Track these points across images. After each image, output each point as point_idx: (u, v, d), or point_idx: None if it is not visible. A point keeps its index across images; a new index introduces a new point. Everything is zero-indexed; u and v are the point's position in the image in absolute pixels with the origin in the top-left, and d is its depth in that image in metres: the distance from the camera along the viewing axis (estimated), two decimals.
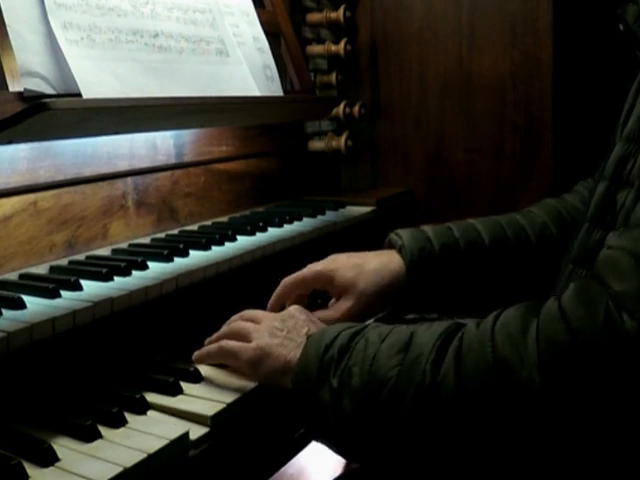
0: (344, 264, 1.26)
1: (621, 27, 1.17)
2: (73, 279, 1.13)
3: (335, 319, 1.22)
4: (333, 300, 1.34)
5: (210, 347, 1.11)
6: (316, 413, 0.96)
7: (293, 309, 1.13)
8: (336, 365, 0.95)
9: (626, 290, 0.82)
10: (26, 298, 1.05)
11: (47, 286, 1.09)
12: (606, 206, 1.05)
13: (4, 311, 1.01)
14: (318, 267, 1.27)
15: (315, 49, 2.08)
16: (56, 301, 1.07)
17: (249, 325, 1.11)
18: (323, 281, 1.26)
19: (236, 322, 1.14)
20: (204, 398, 1.04)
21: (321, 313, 1.24)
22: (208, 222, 1.62)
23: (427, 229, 1.32)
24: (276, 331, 1.07)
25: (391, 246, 1.32)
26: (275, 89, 1.71)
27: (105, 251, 1.37)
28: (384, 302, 1.26)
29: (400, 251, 1.28)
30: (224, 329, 1.14)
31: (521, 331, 0.85)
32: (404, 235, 1.30)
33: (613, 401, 0.81)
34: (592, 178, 1.46)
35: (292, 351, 1.03)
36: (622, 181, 1.04)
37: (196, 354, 1.11)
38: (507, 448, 0.85)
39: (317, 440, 1.01)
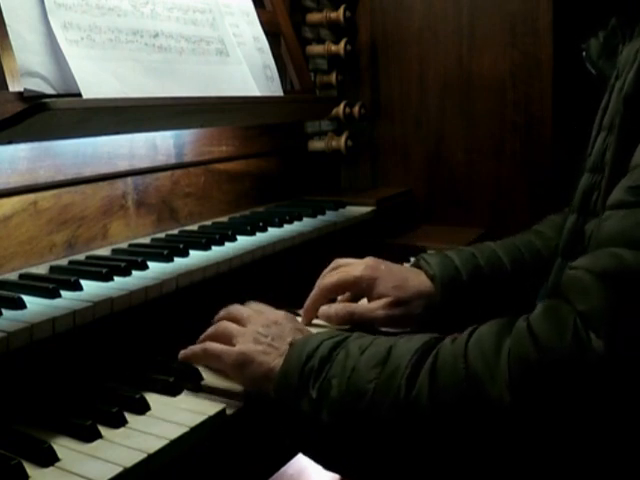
0: (385, 274, 1.29)
1: (588, 66, 1.18)
2: (73, 279, 1.13)
3: (370, 319, 1.25)
4: (344, 297, 1.35)
5: (195, 348, 1.11)
6: (297, 423, 0.97)
7: (281, 315, 1.13)
8: (316, 376, 0.96)
9: (590, 309, 0.82)
10: (26, 298, 1.05)
11: (47, 286, 1.09)
12: (575, 239, 1.07)
13: (4, 311, 1.01)
14: (356, 272, 1.29)
15: (315, 49, 2.08)
16: (56, 301, 1.07)
17: (234, 328, 1.10)
18: (362, 287, 1.29)
19: (222, 323, 1.13)
20: (205, 398, 1.04)
21: (357, 309, 1.27)
22: (208, 222, 1.62)
23: (454, 257, 1.35)
24: (260, 337, 1.06)
25: (418, 268, 1.35)
26: (275, 89, 1.71)
27: (105, 251, 1.37)
28: (418, 318, 1.29)
29: (432, 280, 1.31)
30: (210, 330, 1.14)
31: (494, 348, 0.86)
32: (434, 264, 1.32)
33: (583, 419, 0.81)
34: None
35: (275, 359, 1.02)
36: (589, 212, 1.06)
37: (182, 353, 1.12)
38: (481, 464, 0.86)
39: (298, 450, 1.01)
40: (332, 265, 1.33)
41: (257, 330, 1.08)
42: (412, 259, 1.39)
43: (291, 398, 0.96)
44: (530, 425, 0.83)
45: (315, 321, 1.30)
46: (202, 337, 1.14)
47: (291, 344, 1.03)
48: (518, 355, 0.84)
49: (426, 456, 0.88)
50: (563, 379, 0.81)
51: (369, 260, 1.32)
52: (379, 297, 1.27)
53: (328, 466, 0.98)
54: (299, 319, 1.25)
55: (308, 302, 1.30)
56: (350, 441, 0.92)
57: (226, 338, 1.09)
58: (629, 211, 0.87)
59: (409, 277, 1.30)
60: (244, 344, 1.06)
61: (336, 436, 0.93)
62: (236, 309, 1.16)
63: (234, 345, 1.07)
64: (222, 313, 1.17)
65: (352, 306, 1.28)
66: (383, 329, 1.27)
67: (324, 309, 1.29)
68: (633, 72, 0.98)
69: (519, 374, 0.83)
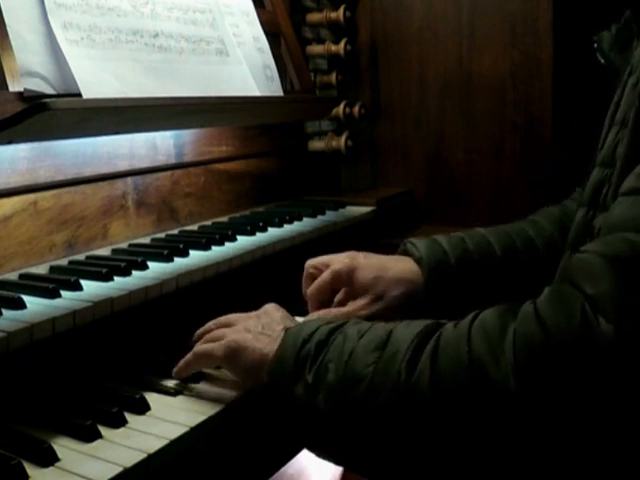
0: (364, 264, 1.26)
1: (599, 57, 1.17)
2: (73, 279, 1.13)
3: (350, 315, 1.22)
4: (338, 296, 1.34)
5: (185, 357, 1.09)
6: (291, 408, 0.95)
7: (269, 306, 1.12)
8: (312, 360, 0.94)
9: (600, 293, 0.81)
10: (26, 298, 1.05)
11: (47, 286, 1.09)
12: (585, 232, 1.06)
13: (4, 311, 1.01)
14: (337, 267, 1.27)
15: (315, 49, 2.08)
16: (56, 301, 1.07)
17: (224, 329, 1.09)
18: (343, 280, 1.26)
19: (213, 332, 1.11)
20: (205, 398, 1.04)
21: (336, 311, 1.25)
22: (208, 222, 1.62)
23: (442, 240, 1.32)
24: (251, 327, 1.05)
25: (405, 254, 1.32)
26: (275, 89, 1.71)
27: (105, 251, 1.37)
28: (400, 309, 1.27)
29: (418, 263, 1.28)
30: (208, 337, 1.11)
31: (499, 332, 0.84)
32: (421, 247, 1.30)
33: (589, 404, 0.80)
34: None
35: (268, 345, 1.01)
36: (599, 206, 1.04)
37: (175, 370, 1.08)
38: (483, 451, 0.84)
39: (293, 438, 0.99)
40: (307, 269, 1.30)
41: (247, 322, 1.07)
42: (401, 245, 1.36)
43: (286, 383, 0.95)
44: (535, 409, 0.81)
45: None
46: (202, 341, 1.12)
47: (286, 329, 1.02)
48: (524, 339, 0.82)
49: (426, 443, 0.86)
50: (570, 363, 0.80)
51: (349, 253, 1.30)
52: (360, 288, 1.25)
53: (323, 454, 0.97)
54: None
55: (310, 308, 1.28)
56: (346, 427, 0.90)
57: (217, 339, 1.08)
58: None
59: (389, 266, 1.27)
60: (235, 334, 1.05)
61: (332, 422, 0.91)
62: (223, 317, 1.15)
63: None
64: (210, 323, 1.15)
65: (333, 312, 1.25)
66: None
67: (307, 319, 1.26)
68: None
69: (525, 358, 0.81)
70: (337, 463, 1.02)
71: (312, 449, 0.97)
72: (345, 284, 1.27)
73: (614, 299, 0.80)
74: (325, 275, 1.27)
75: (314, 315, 1.25)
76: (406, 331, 0.92)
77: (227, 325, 1.11)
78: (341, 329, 0.97)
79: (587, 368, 0.80)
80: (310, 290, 1.28)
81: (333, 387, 0.91)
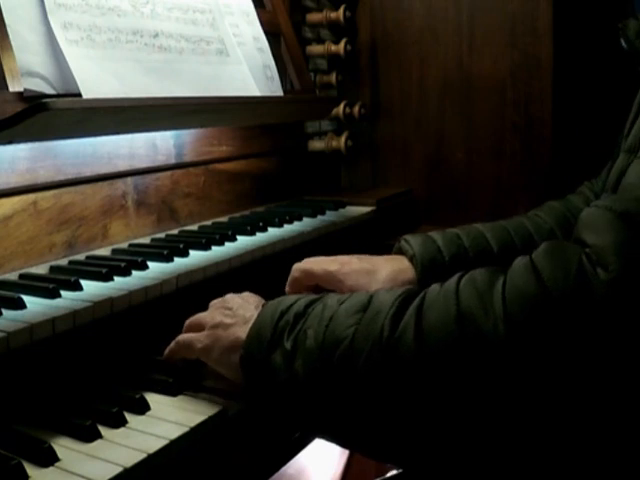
0: (356, 269, 1.24)
1: (623, 43, 1.16)
2: (73, 279, 1.13)
3: None
4: None
5: (170, 346, 1.10)
6: (267, 379, 0.93)
7: (247, 293, 1.12)
8: (290, 329, 0.93)
9: (601, 244, 0.80)
10: (26, 298, 1.05)
11: (47, 286, 1.09)
12: None
13: (4, 311, 1.01)
14: (330, 268, 1.24)
15: (315, 49, 2.08)
16: (56, 301, 1.07)
17: (201, 315, 1.10)
18: (333, 283, 1.24)
19: (190, 318, 1.12)
20: (205, 398, 1.04)
21: None
22: (208, 222, 1.62)
23: (437, 237, 1.30)
24: (225, 311, 1.05)
25: (400, 252, 1.31)
26: (275, 89, 1.71)
27: (105, 251, 1.37)
28: None
29: (411, 260, 1.27)
30: (187, 323, 1.13)
31: (488, 285, 0.83)
32: (414, 244, 1.28)
33: (583, 355, 0.78)
34: (596, 179, 1.46)
35: (241, 327, 1.00)
36: None
37: (163, 357, 1.11)
38: (471, 402, 0.81)
39: (269, 411, 0.98)
40: (293, 273, 1.28)
41: (221, 306, 1.07)
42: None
43: (263, 352, 0.94)
44: (524, 361, 0.79)
45: None
46: (183, 330, 1.13)
47: (263, 305, 1.01)
48: (517, 289, 0.81)
49: (411, 399, 0.83)
50: (565, 313, 0.78)
51: (342, 257, 1.28)
52: (350, 291, 1.21)
53: (302, 425, 0.95)
54: None
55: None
56: (327, 393, 0.88)
57: (197, 327, 1.08)
58: None
59: (379, 267, 1.25)
60: (211, 322, 1.05)
61: (311, 388, 0.89)
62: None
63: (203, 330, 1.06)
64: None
65: None
66: None
67: None
68: None
69: (517, 307, 0.79)
70: (322, 435, 0.97)
71: (294, 423, 0.96)
72: (334, 286, 1.24)
73: (618, 250, 0.78)
74: (317, 269, 1.25)
75: None
76: (388, 293, 0.90)
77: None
78: (320, 300, 0.96)
79: (583, 319, 0.77)
80: (292, 277, 1.25)
81: (311, 351, 0.89)
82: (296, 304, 0.96)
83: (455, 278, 0.88)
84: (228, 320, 1.03)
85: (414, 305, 0.86)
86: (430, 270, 1.25)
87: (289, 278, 1.28)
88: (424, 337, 0.82)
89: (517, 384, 0.79)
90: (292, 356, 0.91)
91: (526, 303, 0.79)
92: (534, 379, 0.79)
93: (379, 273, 1.24)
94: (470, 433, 0.82)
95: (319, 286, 1.27)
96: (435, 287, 0.89)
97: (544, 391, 0.79)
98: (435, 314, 0.84)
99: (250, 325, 0.99)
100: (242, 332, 0.99)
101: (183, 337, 1.08)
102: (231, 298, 1.10)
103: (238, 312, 1.04)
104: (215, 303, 1.12)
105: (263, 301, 1.07)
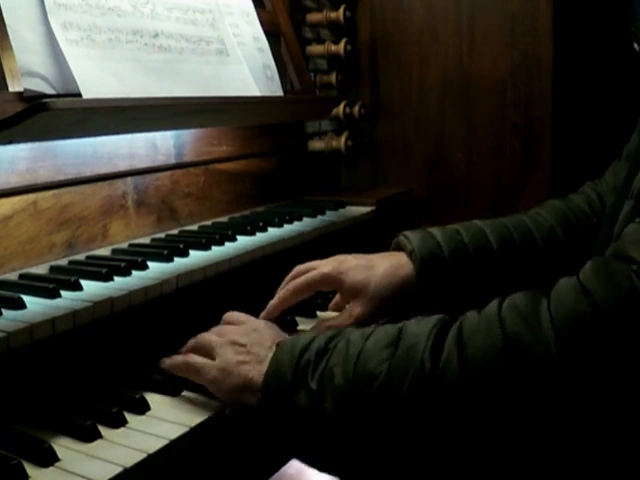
0: (353, 266, 1.24)
1: (636, 46, 1.15)
2: (73, 279, 1.13)
3: (349, 326, 1.21)
4: (335, 299, 1.34)
5: (177, 359, 1.07)
6: (291, 420, 0.91)
7: (261, 324, 1.09)
8: (314, 368, 0.91)
9: None
10: (26, 298, 1.05)
11: (47, 286, 1.09)
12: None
13: (4, 311, 1.01)
14: (326, 269, 1.24)
15: (315, 49, 2.08)
16: (56, 301, 1.07)
17: (214, 339, 1.06)
18: (332, 284, 1.25)
19: (203, 334, 1.10)
20: (205, 398, 1.04)
21: (333, 321, 1.23)
22: (208, 222, 1.62)
23: (436, 233, 1.30)
24: (239, 347, 1.02)
25: (399, 248, 1.31)
26: (275, 89, 1.71)
27: (105, 251, 1.37)
28: (394, 305, 1.25)
29: (410, 255, 1.26)
30: (192, 342, 1.10)
31: (532, 309, 0.83)
32: (413, 239, 1.28)
33: (636, 373, 0.78)
34: (599, 180, 1.45)
35: (255, 367, 0.98)
36: None
37: (165, 362, 1.08)
38: (524, 426, 0.81)
39: (292, 453, 0.96)
40: (292, 273, 1.28)
41: (235, 339, 1.04)
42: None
43: (285, 394, 0.91)
44: (581, 380, 0.79)
45: None
46: (184, 348, 1.11)
47: (278, 344, 0.98)
48: (565, 310, 0.81)
49: (455, 431, 0.83)
50: (617, 331, 0.78)
51: (338, 256, 1.28)
52: (350, 289, 1.23)
53: (326, 466, 0.93)
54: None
55: (276, 301, 1.24)
56: (361, 427, 0.86)
57: (207, 350, 1.06)
58: None
59: (377, 264, 1.25)
60: (223, 356, 1.02)
61: (343, 425, 0.87)
62: (217, 327, 1.13)
63: (214, 359, 1.03)
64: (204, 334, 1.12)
65: (328, 323, 1.24)
66: None
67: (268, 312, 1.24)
68: None
69: (570, 329, 0.79)
70: (341, 472, 0.95)
71: (314, 462, 0.93)
72: (333, 286, 1.25)
73: None
74: (314, 274, 1.25)
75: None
76: (419, 325, 0.89)
77: (219, 334, 1.08)
78: (340, 336, 0.94)
79: (634, 335, 0.78)
80: (294, 284, 1.25)
81: (342, 389, 0.88)
82: (316, 341, 0.94)
83: (494, 304, 0.88)
84: (241, 357, 1.00)
85: (452, 335, 0.85)
86: (429, 265, 1.25)
87: (288, 276, 1.27)
88: (470, 366, 0.82)
89: (571, 402, 0.80)
90: (319, 396, 0.89)
91: (578, 323, 0.80)
92: (589, 396, 0.80)
93: (377, 268, 1.24)
94: (519, 454, 0.83)
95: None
96: (472, 315, 0.88)
97: (598, 407, 0.80)
98: (479, 342, 0.83)
99: (266, 366, 0.96)
100: (256, 373, 0.97)
101: (194, 360, 1.05)
102: (246, 331, 1.07)
103: (252, 350, 1.01)
104: (229, 330, 1.08)
105: (279, 337, 1.04)
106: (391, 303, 1.24)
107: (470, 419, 0.82)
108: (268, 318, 1.24)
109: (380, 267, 1.24)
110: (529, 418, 0.81)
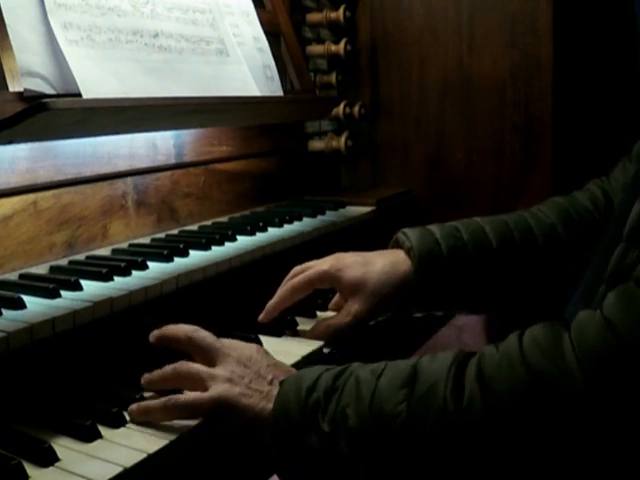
0: (351, 263, 1.24)
1: None
2: (73, 279, 1.13)
3: (348, 324, 1.21)
4: (335, 298, 1.34)
5: (152, 404, 0.95)
6: (301, 462, 0.90)
7: (254, 350, 1.01)
8: (324, 409, 0.89)
9: None
10: (26, 298, 1.05)
11: (47, 286, 1.09)
12: None
13: (4, 311, 1.01)
14: (324, 267, 1.25)
15: (315, 49, 2.08)
16: (56, 301, 1.07)
17: (202, 368, 0.97)
18: (330, 281, 1.25)
19: (183, 363, 0.99)
20: None
21: (332, 320, 1.23)
22: (208, 222, 1.62)
23: (435, 230, 1.30)
24: (236, 378, 0.96)
25: (397, 245, 1.31)
26: (275, 89, 1.71)
27: (105, 251, 1.37)
28: (393, 303, 1.25)
29: (408, 253, 1.26)
30: (168, 370, 0.99)
31: (553, 343, 0.82)
32: (412, 236, 1.28)
33: None
34: (606, 178, 1.45)
35: (261, 402, 0.94)
36: None
37: (146, 385, 1.00)
38: (545, 465, 0.81)
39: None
40: (291, 274, 1.28)
41: (231, 369, 0.97)
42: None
43: (294, 437, 0.90)
44: (608, 411, 0.79)
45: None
46: (156, 375, 1.00)
47: (281, 382, 0.95)
48: (589, 344, 0.80)
49: (477, 465, 0.83)
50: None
51: (336, 254, 1.28)
52: (348, 287, 1.23)
53: None
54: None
55: (275, 300, 1.23)
56: (378, 463, 0.86)
57: (193, 380, 0.97)
58: None
59: (375, 261, 1.24)
60: (219, 386, 0.94)
61: (359, 466, 0.86)
62: (201, 339, 1.02)
63: (205, 390, 0.95)
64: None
65: (327, 322, 1.24)
66: None
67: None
68: None
69: (594, 363, 0.79)
70: None
71: None
72: (332, 284, 1.25)
73: None
74: (311, 273, 1.25)
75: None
76: (435, 363, 0.88)
77: (205, 358, 1.00)
78: (346, 373, 0.92)
79: None
80: (293, 282, 1.24)
81: (358, 431, 0.86)
82: (322, 378, 0.92)
83: (514, 339, 0.87)
84: (237, 389, 0.95)
85: (472, 374, 0.85)
86: (428, 262, 1.25)
87: (288, 276, 1.27)
88: (494, 404, 0.82)
89: (598, 435, 0.80)
90: (332, 438, 0.88)
91: (604, 358, 0.79)
92: (615, 428, 0.79)
93: (375, 265, 1.24)
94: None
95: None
96: (490, 351, 0.87)
97: (624, 436, 0.80)
98: (502, 379, 0.83)
99: (271, 405, 0.93)
100: (261, 410, 0.93)
101: (180, 401, 0.94)
102: (239, 368, 0.98)
103: (251, 385, 0.96)
104: (226, 361, 0.99)
105: (276, 368, 0.99)
106: (390, 300, 1.24)
107: (495, 452, 0.82)
108: (267, 318, 1.24)
109: (378, 264, 1.24)
110: (555, 451, 0.81)
